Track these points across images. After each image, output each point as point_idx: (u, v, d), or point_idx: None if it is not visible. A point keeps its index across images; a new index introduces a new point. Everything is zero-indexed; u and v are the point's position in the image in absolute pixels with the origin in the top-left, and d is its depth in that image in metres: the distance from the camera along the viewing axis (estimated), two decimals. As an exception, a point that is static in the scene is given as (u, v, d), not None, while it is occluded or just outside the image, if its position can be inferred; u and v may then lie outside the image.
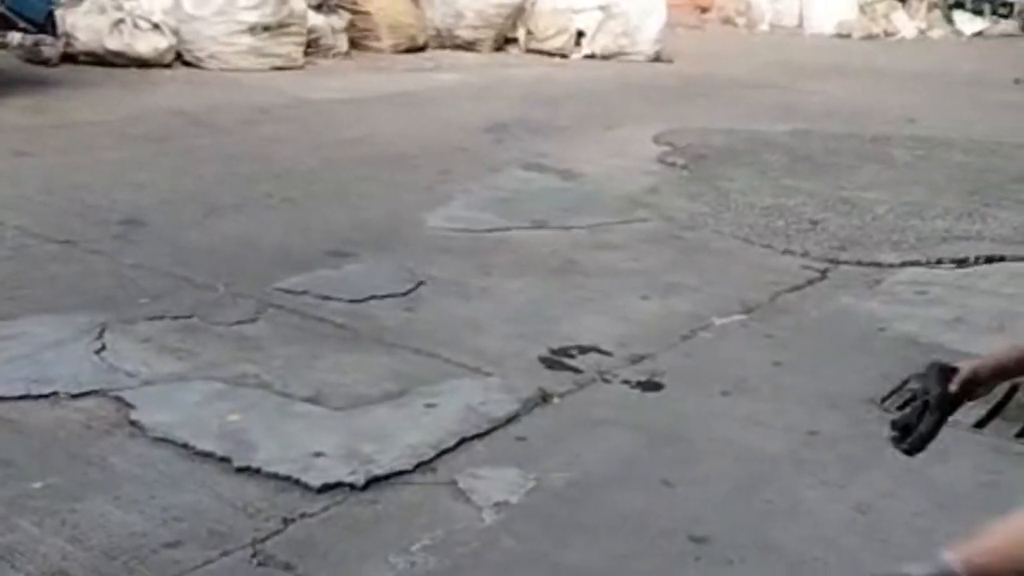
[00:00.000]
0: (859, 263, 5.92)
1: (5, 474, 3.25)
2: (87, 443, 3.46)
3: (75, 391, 3.79)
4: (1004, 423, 4.02)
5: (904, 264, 5.94)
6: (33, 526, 2.99)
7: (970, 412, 4.04)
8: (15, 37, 10.19)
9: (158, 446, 3.47)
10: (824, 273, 5.72)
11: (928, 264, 5.97)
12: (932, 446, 3.84)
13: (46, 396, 3.74)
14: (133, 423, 3.60)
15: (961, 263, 6.00)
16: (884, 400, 4.14)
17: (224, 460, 3.39)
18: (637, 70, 13.37)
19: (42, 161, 7.03)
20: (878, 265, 5.91)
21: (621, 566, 2.97)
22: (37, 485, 3.19)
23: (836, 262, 5.90)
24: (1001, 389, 4.27)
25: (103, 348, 4.17)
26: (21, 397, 3.73)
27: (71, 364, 4.01)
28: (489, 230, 6.13)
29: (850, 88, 12.89)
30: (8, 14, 8.84)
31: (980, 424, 3.99)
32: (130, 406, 3.71)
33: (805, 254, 6.00)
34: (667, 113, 10.22)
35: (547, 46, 14.12)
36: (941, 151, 9.04)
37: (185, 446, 3.46)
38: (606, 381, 4.19)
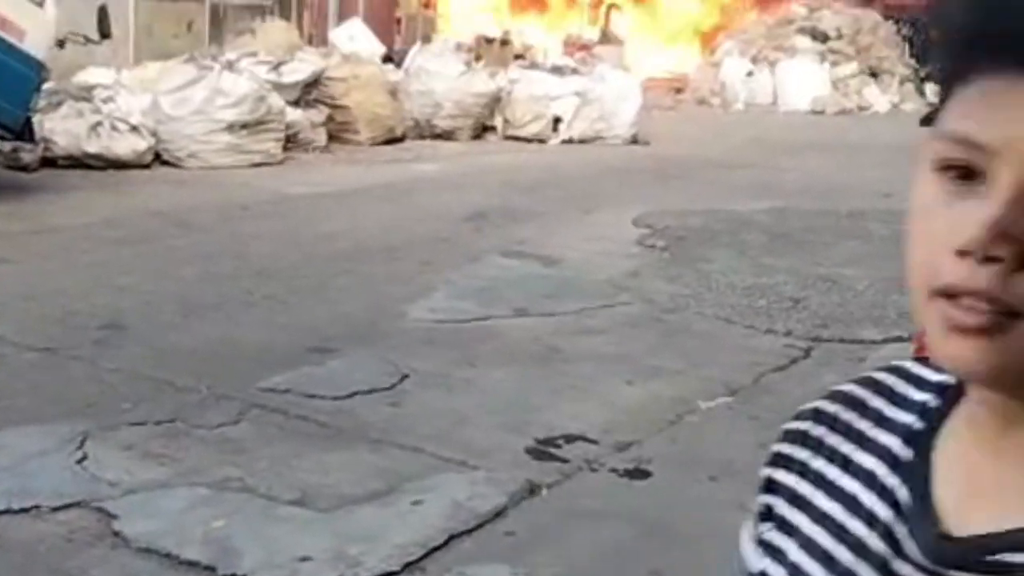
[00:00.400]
0: (842, 340, 5.94)
1: (-15, 592, 3.20)
2: (68, 556, 3.41)
3: (57, 503, 3.74)
4: None
5: (886, 340, 5.96)
6: (14, 645, 2.93)
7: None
8: (-7, 144, 10.25)
9: (142, 557, 3.42)
10: (807, 352, 5.73)
11: (911, 339, 5.97)
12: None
13: (27, 510, 3.69)
14: (116, 534, 3.55)
15: (943, 336, 6.01)
16: (873, 479, 4.12)
17: (209, 569, 3.34)
18: (614, 153, 13.51)
19: (22, 267, 7.02)
20: (861, 342, 5.93)
21: (614, 663, 2.92)
22: (18, 602, 3.14)
23: (819, 340, 5.92)
24: None
25: (85, 457, 4.13)
26: (2, 512, 3.68)
27: (53, 475, 3.96)
28: (471, 320, 6.14)
29: (825, 164, 13.03)
30: (-16, 123, 8.89)
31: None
32: (112, 516, 3.66)
33: (788, 333, 6.02)
34: (645, 195, 10.30)
35: (524, 132, 14.28)
36: (918, 223, 9.10)
37: (169, 555, 3.42)
38: (593, 470, 4.17)
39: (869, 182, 11.49)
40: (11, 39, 8.74)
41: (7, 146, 10.17)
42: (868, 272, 7.37)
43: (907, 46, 23.78)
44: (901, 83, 22.77)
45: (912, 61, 23.71)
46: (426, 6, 22.48)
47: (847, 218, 9.37)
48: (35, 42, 8.96)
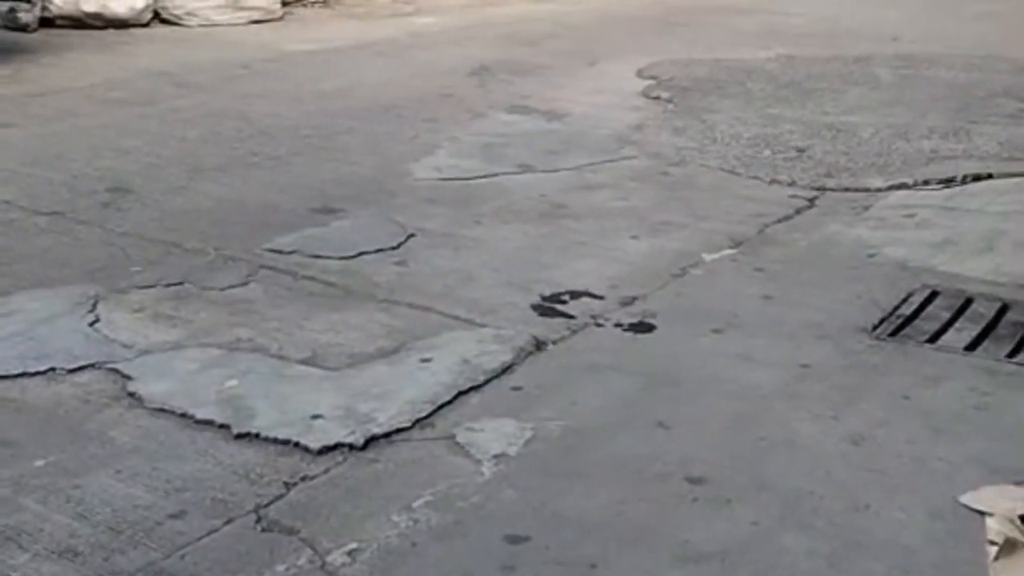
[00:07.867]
0: (846, 189, 5.94)
1: (7, 454, 3.28)
2: (86, 417, 3.49)
3: (71, 366, 3.81)
4: (995, 343, 4.04)
5: (891, 188, 5.96)
6: (38, 504, 3.02)
7: (961, 334, 4.09)
8: (-11, 5, 10.11)
9: (157, 416, 3.50)
10: (812, 201, 5.73)
11: (915, 186, 5.98)
12: (923, 371, 3.89)
13: (43, 372, 3.77)
14: (131, 395, 3.63)
15: (948, 183, 6.01)
16: (875, 328, 4.18)
17: (223, 427, 3.42)
18: (618, 0, 13.26)
19: (25, 131, 7.00)
20: (865, 190, 5.92)
21: (620, 512, 3.01)
22: (39, 463, 3.22)
23: (823, 189, 5.92)
24: (992, 309, 4.31)
25: (97, 320, 4.19)
26: (18, 375, 3.75)
27: (66, 338, 4.03)
28: (476, 177, 6.13)
29: (832, 6, 12.77)
30: (-20, -17, 8.76)
31: (971, 346, 4.02)
32: (127, 377, 3.74)
33: (792, 183, 6.01)
34: (650, 45, 10.16)
35: (526, -18, 13.98)
36: (925, 68, 9.00)
37: (184, 415, 3.49)
38: (599, 325, 4.22)
39: (875, 25, 11.32)
40: None
41: (4, 6, 10.05)
42: (874, 119, 7.32)
43: None
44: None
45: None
46: None
47: (853, 64, 9.24)
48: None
